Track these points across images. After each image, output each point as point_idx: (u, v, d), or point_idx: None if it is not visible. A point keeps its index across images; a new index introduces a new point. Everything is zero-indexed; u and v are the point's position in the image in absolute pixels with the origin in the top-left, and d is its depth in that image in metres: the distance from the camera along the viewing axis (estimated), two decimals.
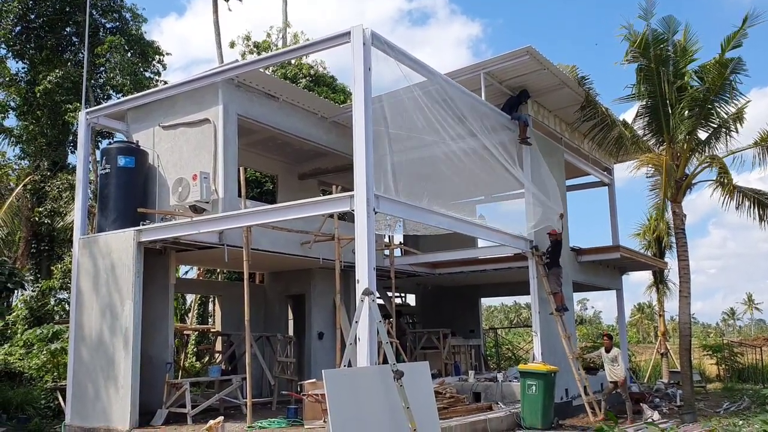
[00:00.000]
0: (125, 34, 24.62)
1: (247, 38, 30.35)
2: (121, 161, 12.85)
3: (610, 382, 13.92)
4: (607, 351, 14.02)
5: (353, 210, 9.19)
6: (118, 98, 21.02)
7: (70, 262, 15.51)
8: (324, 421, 9.97)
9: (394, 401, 7.27)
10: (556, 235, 14.27)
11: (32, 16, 24.20)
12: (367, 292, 8.20)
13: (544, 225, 14.17)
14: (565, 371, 13.84)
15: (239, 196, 12.12)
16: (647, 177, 15.68)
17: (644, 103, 15.05)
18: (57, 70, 23.23)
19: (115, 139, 15.19)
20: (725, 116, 14.72)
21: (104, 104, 15.25)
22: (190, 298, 24.09)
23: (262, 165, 18.18)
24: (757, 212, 15.08)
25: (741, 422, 13.15)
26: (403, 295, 22.70)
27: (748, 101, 14.75)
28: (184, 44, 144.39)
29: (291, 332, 16.84)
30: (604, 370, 14.33)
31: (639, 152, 15.27)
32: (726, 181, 14.87)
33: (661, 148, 15.24)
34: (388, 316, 15.03)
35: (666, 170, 14.32)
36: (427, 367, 8.48)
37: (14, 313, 18.54)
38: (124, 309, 11.80)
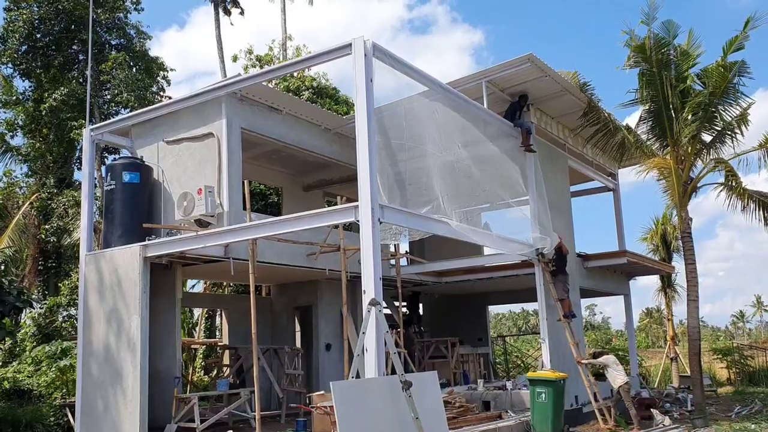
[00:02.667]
0: (130, 50, 24.80)
1: (250, 52, 30.60)
2: (126, 177, 12.90)
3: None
4: None
5: (358, 220, 9.21)
6: (124, 114, 21.17)
7: (77, 278, 15.55)
8: None
9: (403, 412, 7.25)
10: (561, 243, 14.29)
11: (38, 35, 24.40)
12: (373, 303, 8.19)
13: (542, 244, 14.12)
14: (575, 378, 13.78)
15: (244, 209, 12.15)
16: (657, 180, 15.63)
17: (647, 107, 15.05)
18: (63, 88, 23.39)
19: (120, 155, 15.28)
20: (729, 119, 14.70)
21: (108, 121, 15.33)
22: (197, 312, 24.12)
23: (267, 177, 18.23)
24: (762, 214, 15.03)
25: (753, 426, 13.07)
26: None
27: (752, 103, 14.73)
28: (185, 57, 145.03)
29: (298, 344, 16.83)
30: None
31: (643, 157, 15.26)
32: (735, 184, 14.81)
33: (665, 152, 15.22)
34: (395, 326, 15.01)
35: (673, 174, 14.31)
36: (436, 376, 8.46)
37: (23, 331, 18.57)
38: (131, 324, 11.82)
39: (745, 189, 14.83)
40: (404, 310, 16.67)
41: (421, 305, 22.12)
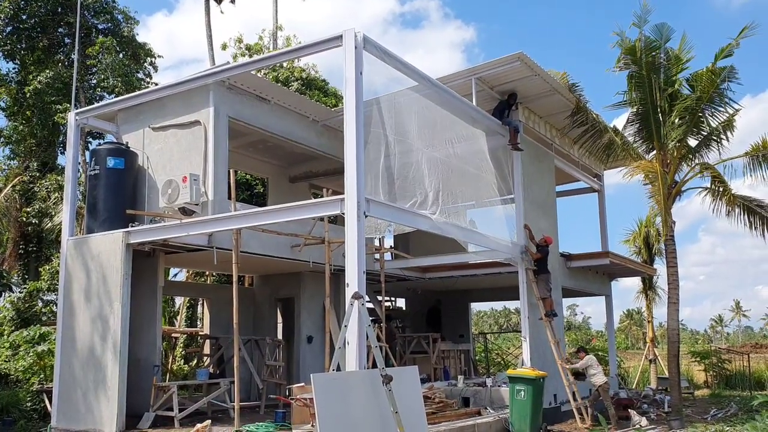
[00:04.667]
0: (117, 35, 24.55)
1: (239, 41, 30.39)
2: (111, 162, 12.77)
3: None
4: None
5: (343, 213, 9.18)
6: (110, 99, 20.96)
7: (58, 263, 15.39)
8: (312, 426, 9.92)
9: (383, 406, 7.26)
10: (548, 242, 14.37)
11: (24, 17, 24.08)
12: (356, 296, 8.19)
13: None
14: (554, 376, 13.86)
15: (229, 198, 12.07)
16: (643, 183, 15.70)
17: (635, 110, 15.11)
18: (48, 71, 23.12)
19: (104, 140, 15.12)
20: (715, 125, 14.79)
21: (94, 105, 15.16)
22: (179, 300, 23.99)
23: (253, 167, 18.13)
24: (746, 219, 15.16)
25: (728, 429, 13.22)
26: (393, 299, 22.69)
27: (738, 110, 14.82)
28: (172, 43, 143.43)
29: (280, 335, 16.78)
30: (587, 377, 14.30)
31: (629, 159, 15.33)
32: (723, 189, 14.90)
33: (651, 155, 15.30)
34: (377, 320, 15.00)
35: (659, 177, 14.38)
36: (416, 371, 8.49)
37: (1, 315, 18.39)
38: (112, 311, 11.72)
39: (733, 195, 14.92)
40: (370, 305, 16.71)
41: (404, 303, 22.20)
